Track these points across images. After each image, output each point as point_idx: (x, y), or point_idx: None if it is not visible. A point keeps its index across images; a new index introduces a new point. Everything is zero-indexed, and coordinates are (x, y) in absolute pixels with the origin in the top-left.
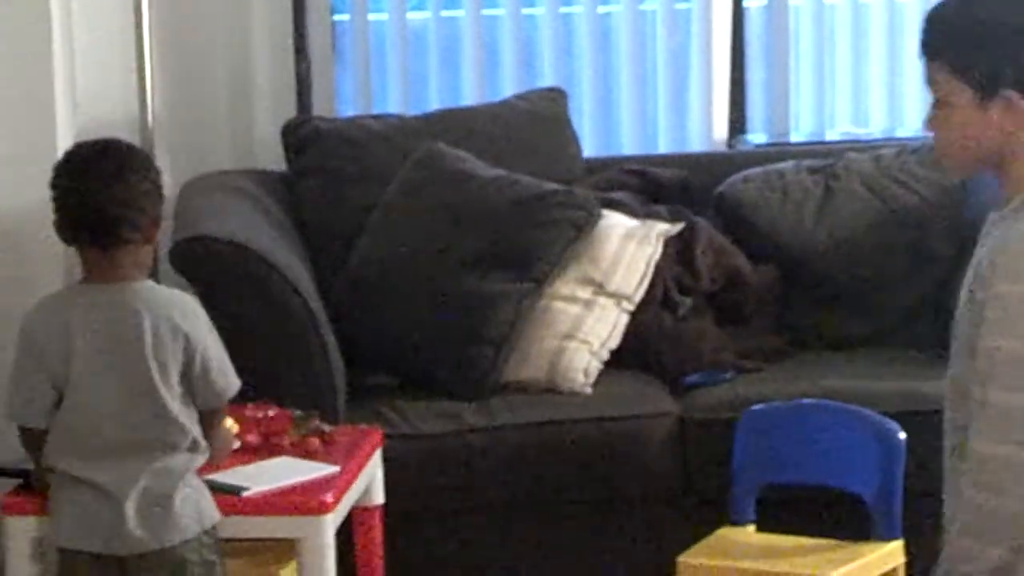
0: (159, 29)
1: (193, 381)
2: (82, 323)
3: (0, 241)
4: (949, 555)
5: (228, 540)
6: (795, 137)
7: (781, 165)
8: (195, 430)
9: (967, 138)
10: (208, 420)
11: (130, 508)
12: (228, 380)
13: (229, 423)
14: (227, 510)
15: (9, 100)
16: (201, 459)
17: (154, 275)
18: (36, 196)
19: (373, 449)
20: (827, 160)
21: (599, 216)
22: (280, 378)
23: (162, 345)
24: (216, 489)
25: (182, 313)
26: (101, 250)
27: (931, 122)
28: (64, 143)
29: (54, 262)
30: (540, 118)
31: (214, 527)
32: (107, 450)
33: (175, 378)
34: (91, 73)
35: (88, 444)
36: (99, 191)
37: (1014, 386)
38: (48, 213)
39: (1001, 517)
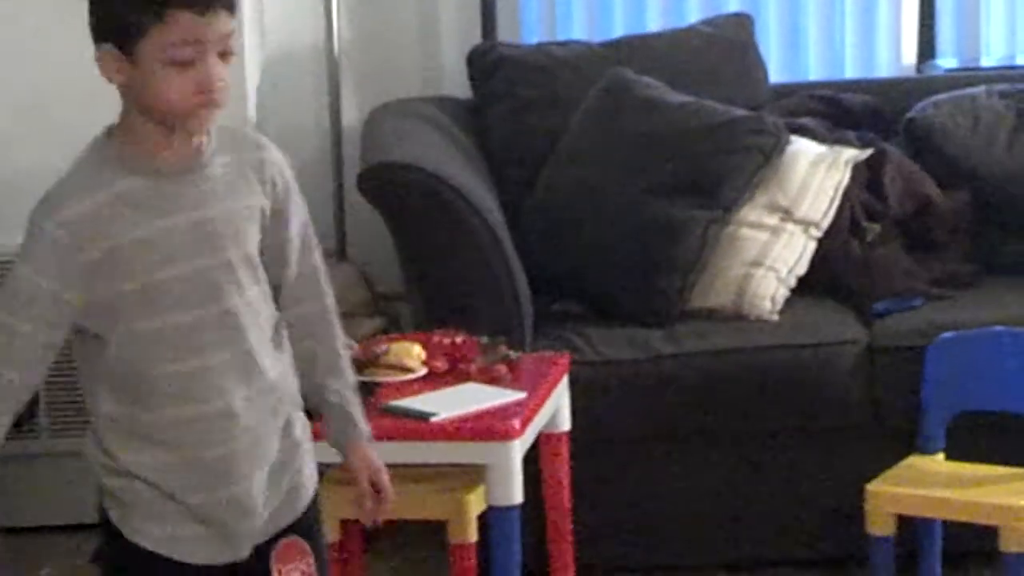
0: None
1: None
2: None
3: None
4: None
5: (416, 466)
6: (986, 62)
7: (972, 90)
8: None
9: None
10: None
11: None
12: None
13: (417, 350)
14: (416, 435)
15: None
16: None
17: (340, 203)
18: (225, 121)
19: (560, 375)
20: (1019, 85)
21: (787, 142)
22: (467, 305)
23: None
24: (405, 415)
25: None
26: None
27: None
28: (252, 72)
29: None
30: (726, 44)
31: None
32: None
33: None
34: (278, 1)
35: None
36: None
37: None
38: None
39: None
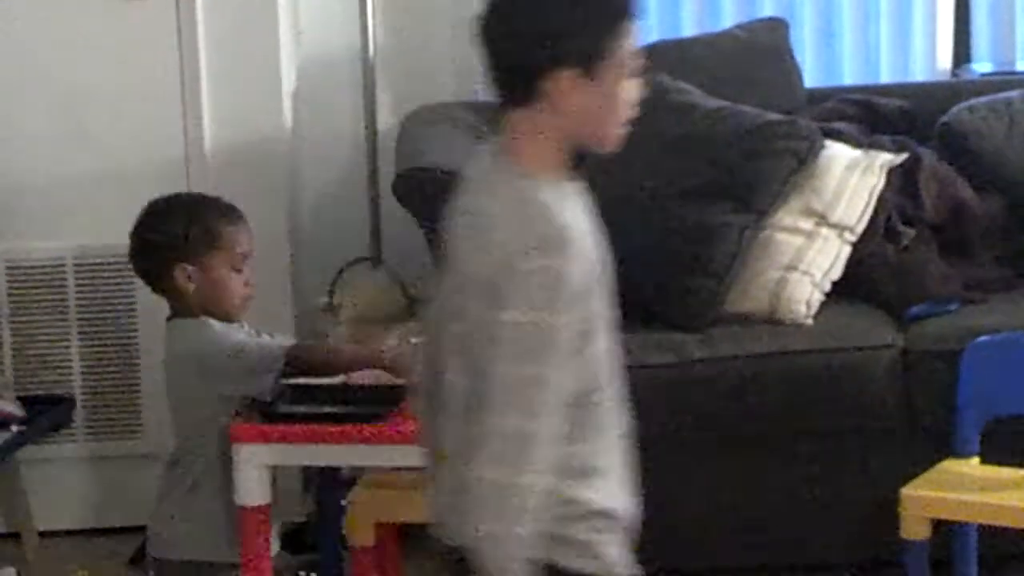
0: None
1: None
2: None
3: (227, 172)
4: None
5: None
6: (1021, 66)
7: (1007, 94)
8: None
9: None
10: None
11: None
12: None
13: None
14: None
15: (234, 32)
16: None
17: (375, 208)
18: (261, 127)
19: None
20: None
21: (821, 146)
22: None
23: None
24: None
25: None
26: None
27: None
28: (288, 75)
29: (274, 190)
30: (760, 48)
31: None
32: None
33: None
34: (314, 4)
35: None
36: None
37: None
38: (272, 145)
39: None
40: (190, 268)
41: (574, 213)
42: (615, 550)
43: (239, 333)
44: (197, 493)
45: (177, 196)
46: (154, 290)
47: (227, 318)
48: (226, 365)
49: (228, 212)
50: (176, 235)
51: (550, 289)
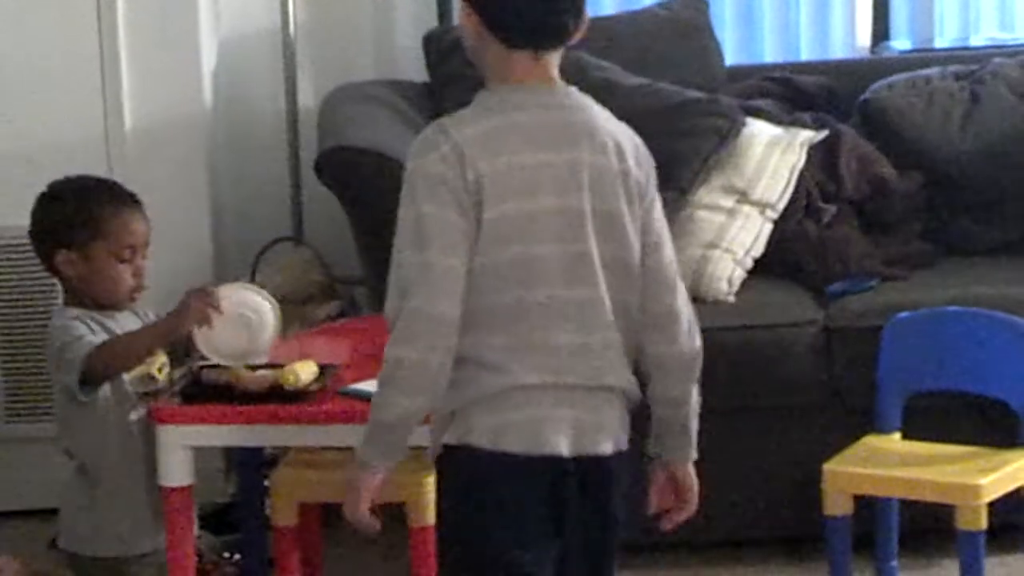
0: None
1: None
2: None
3: (147, 151)
4: None
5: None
6: (940, 43)
7: (926, 71)
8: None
9: None
10: None
11: None
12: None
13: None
14: None
15: (154, 9)
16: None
17: (296, 187)
18: (182, 105)
19: None
20: (973, 66)
21: (743, 124)
22: None
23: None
24: (359, 398)
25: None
26: None
27: None
28: (208, 56)
29: (195, 169)
30: (682, 26)
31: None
32: None
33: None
34: None
35: None
36: None
37: None
38: (193, 124)
39: None
40: (71, 255)
41: None
42: None
43: (82, 327)
44: (97, 487)
45: (72, 179)
46: (49, 273)
47: (112, 307)
48: (53, 357)
49: (120, 200)
50: (59, 220)
51: None
